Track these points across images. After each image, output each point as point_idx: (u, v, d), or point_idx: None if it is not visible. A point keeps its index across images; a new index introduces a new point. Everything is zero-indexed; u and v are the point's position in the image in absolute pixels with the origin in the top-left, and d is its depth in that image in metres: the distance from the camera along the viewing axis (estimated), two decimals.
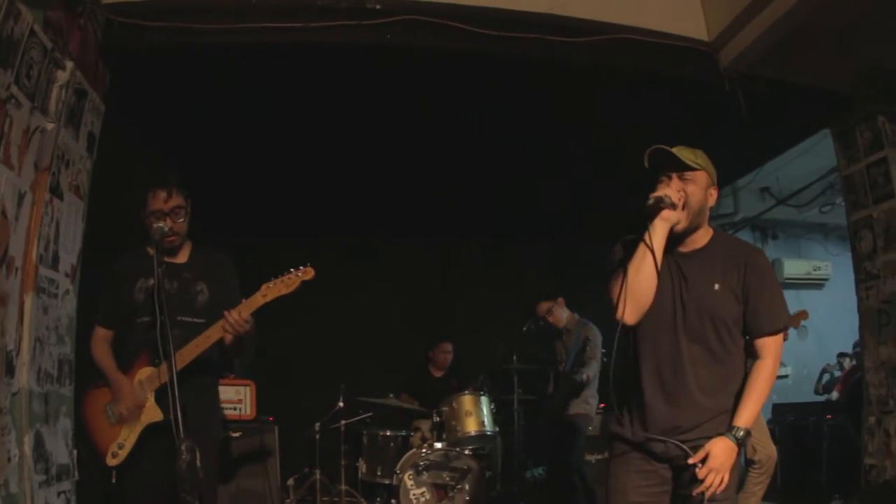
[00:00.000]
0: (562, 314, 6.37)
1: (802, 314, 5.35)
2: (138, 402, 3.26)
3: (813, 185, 7.96)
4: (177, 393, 2.79)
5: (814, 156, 6.84)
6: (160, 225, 3.26)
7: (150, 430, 3.25)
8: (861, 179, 5.26)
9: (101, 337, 3.52)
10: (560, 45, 4.69)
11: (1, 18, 3.03)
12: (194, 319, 3.43)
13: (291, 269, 3.31)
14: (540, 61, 4.86)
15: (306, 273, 3.32)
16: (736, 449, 2.69)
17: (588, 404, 6.03)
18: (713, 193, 2.93)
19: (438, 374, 7.39)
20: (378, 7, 4.40)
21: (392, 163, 6.45)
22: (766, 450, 5.09)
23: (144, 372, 3.30)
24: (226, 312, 3.23)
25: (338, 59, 4.74)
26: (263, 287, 3.29)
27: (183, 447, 2.63)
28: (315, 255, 5.20)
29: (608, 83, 5.32)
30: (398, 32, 4.45)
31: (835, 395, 7.80)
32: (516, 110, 5.73)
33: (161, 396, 3.23)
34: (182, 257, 3.53)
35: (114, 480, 3.26)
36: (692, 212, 2.78)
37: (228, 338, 3.28)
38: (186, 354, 3.20)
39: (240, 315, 3.22)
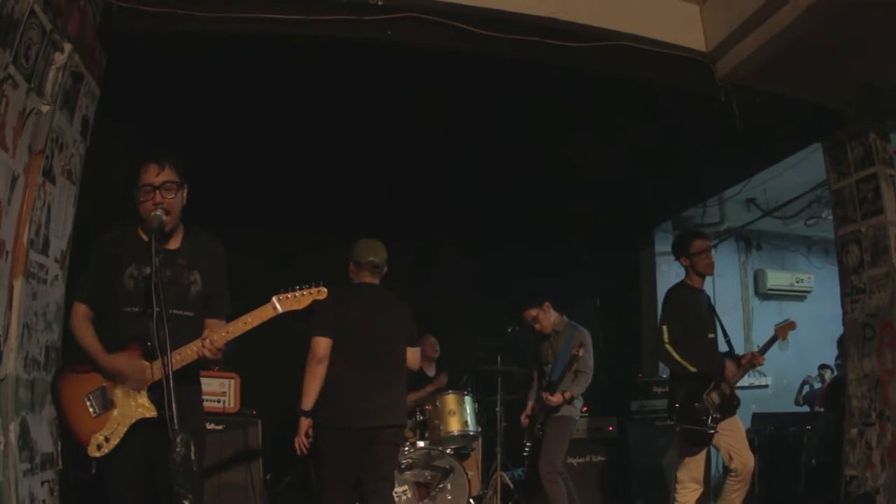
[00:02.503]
0: (548, 320, 6.29)
1: (789, 325, 5.37)
2: (142, 371, 3.19)
3: (799, 199, 8.03)
4: (172, 388, 2.77)
5: (801, 169, 6.89)
6: (158, 213, 3.20)
7: (138, 425, 3.19)
8: (851, 194, 5.32)
9: (84, 315, 3.38)
10: (559, 50, 4.73)
11: None
12: (185, 312, 3.38)
13: (304, 286, 3.37)
14: (538, 64, 4.87)
15: (319, 293, 3.41)
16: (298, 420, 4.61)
17: (573, 407, 6.01)
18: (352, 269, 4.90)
19: (430, 371, 7.37)
20: (379, 3, 4.38)
21: (378, 159, 6.44)
22: (743, 458, 5.08)
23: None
24: (207, 335, 3.23)
25: (336, 52, 4.71)
26: (274, 299, 3.31)
27: (178, 440, 2.60)
28: (301, 250, 5.25)
29: (603, 89, 5.34)
30: (399, 29, 4.44)
31: (818, 408, 7.85)
32: (509, 111, 5.74)
33: (153, 392, 3.19)
34: (175, 242, 3.45)
35: (94, 471, 3.20)
36: None
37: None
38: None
39: (221, 340, 3.23)
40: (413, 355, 4.95)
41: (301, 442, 4.61)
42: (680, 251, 5.38)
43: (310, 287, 3.38)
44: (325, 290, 3.43)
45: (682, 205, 8.52)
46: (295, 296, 3.34)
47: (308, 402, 4.56)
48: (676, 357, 5.06)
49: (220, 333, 3.24)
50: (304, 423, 4.59)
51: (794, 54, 4.64)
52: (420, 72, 5.02)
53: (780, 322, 5.40)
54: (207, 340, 3.21)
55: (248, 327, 3.29)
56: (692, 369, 5.02)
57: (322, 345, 4.56)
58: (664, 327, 5.15)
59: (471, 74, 5.10)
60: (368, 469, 4.61)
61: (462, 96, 5.43)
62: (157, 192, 3.28)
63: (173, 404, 2.81)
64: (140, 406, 3.20)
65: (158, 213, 3.23)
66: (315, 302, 3.97)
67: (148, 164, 3.31)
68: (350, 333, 4.61)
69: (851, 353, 5.25)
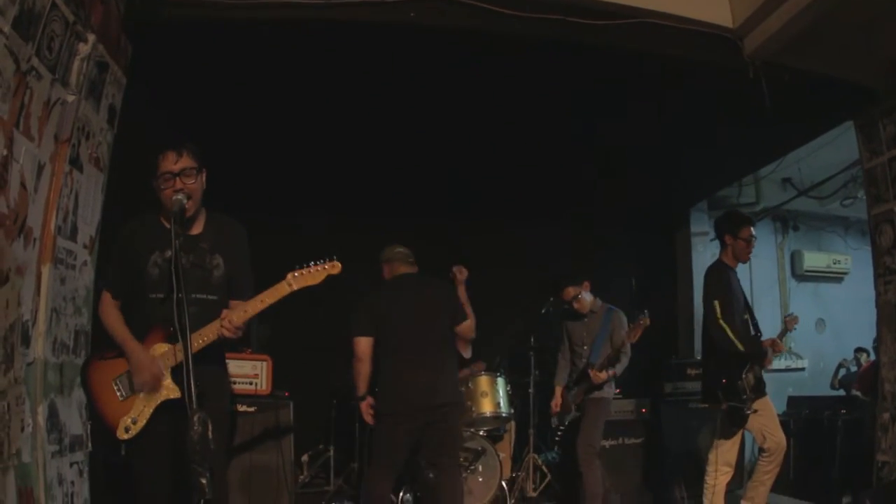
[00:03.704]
0: (587, 299, 6.25)
1: (793, 319, 5.46)
2: (158, 373, 3.24)
3: (835, 178, 7.86)
4: (191, 369, 2.81)
5: (836, 147, 6.74)
6: (179, 198, 3.24)
7: (164, 406, 3.24)
8: (883, 173, 5.21)
9: (112, 303, 3.43)
10: (584, 28, 4.69)
11: None
12: (208, 296, 3.41)
13: (318, 262, 3.35)
14: (563, 44, 4.84)
15: (333, 267, 3.39)
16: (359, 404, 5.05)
17: (610, 388, 5.98)
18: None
19: (467, 353, 7.38)
20: None
21: (411, 141, 6.45)
22: (776, 437, 5.04)
23: (159, 348, 3.27)
24: (226, 315, 3.27)
25: (361, 36, 4.73)
26: (289, 276, 3.32)
27: (195, 418, 2.64)
28: (334, 232, 5.31)
29: (632, 68, 5.29)
30: (422, 11, 4.44)
31: (854, 391, 7.73)
32: (538, 92, 5.70)
33: (177, 374, 3.22)
34: (197, 228, 3.47)
35: (123, 453, 3.28)
36: None
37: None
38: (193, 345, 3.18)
39: (239, 319, 3.26)
40: (465, 328, 5.21)
41: (368, 420, 5.06)
42: (726, 230, 5.37)
43: (324, 262, 3.37)
44: (339, 264, 3.39)
45: (718, 184, 8.40)
46: (309, 271, 3.34)
47: (360, 390, 5.03)
48: (730, 334, 5.03)
49: (237, 313, 3.28)
50: (363, 406, 5.04)
51: (824, 29, 4.52)
52: (448, 53, 5.00)
53: (788, 314, 5.55)
54: (226, 320, 3.25)
55: (265, 305, 3.31)
56: (740, 348, 5.00)
57: (361, 344, 4.94)
58: (715, 302, 5.13)
59: (499, 54, 5.06)
60: (429, 448, 4.95)
61: (491, 76, 5.40)
62: (178, 178, 3.30)
63: (196, 385, 2.86)
64: (164, 388, 3.26)
65: (179, 197, 3.26)
66: (362, 302, 4.97)
67: (166, 151, 3.33)
68: (392, 325, 4.94)
69: (884, 335, 5.15)
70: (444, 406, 4.90)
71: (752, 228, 5.33)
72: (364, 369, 4.96)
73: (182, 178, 3.31)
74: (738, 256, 5.31)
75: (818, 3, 4.30)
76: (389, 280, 5.27)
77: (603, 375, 5.90)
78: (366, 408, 5.02)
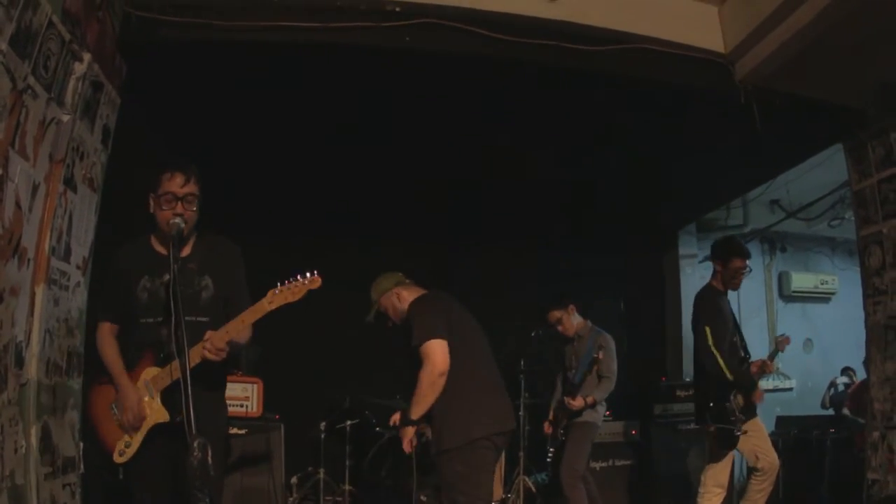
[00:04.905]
0: (571, 322, 6.28)
1: (784, 340, 5.56)
2: (141, 413, 3.23)
3: (823, 199, 7.95)
4: (189, 393, 2.80)
5: (824, 170, 6.82)
6: (177, 221, 3.23)
7: (157, 430, 3.24)
8: (872, 195, 5.24)
9: (109, 332, 3.44)
10: (577, 53, 4.71)
11: (20, 9, 3.01)
12: (197, 318, 3.36)
13: (298, 277, 3.25)
14: (556, 69, 4.87)
15: (313, 282, 3.25)
16: (405, 427, 4.16)
17: (595, 412, 5.98)
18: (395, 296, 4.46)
19: None
20: (397, 9, 4.39)
21: (401, 164, 6.46)
22: (769, 458, 5.10)
23: (150, 372, 3.28)
24: (208, 337, 3.21)
25: (355, 60, 4.74)
26: (270, 293, 3.24)
27: (195, 444, 2.63)
28: (324, 254, 5.27)
29: (623, 93, 5.33)
30: (417, 35, 4.45)
31: (845, 411, 7.77)
32: (530, 116, 5.73)
33: (167, 397, 3.22)
34: (186, 250, 3.45)
35: (121, 476, 3.29)
36: (395, 317, 4.48)
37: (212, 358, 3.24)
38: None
39: (221, 340, 3.21)
40: None
41: (408, 448, 4.22)
42: (718, 256, 5.44)
43: (304, 278, 3.25)
44: (319, 279, 3.26)
45: (707, 207, 8.46)
46: (290, 288, 3.23)
47: (423, 410, 4.04)
48: (721, 362, 5.07)
49: (219, 334, 3.23)
50: (412, 431, 4.18)
51: (814, 54, 4.57)
52: (442, 77, 5.02)
53: (779, 335, 5.64)
54: (208, 342, 3.20)
55: (245, 325, 3.27)
56: (729, 377, 5.05)
57: (442, 350, 3.97)
58: (706, 329, 5.16)
59: (492, 78, 5.10)
60: None
61: (484, 101, 5.44)
62: (180, 202, 3.30)
63: (190, 408, 2.85)
64: (155, 412, 3.26)
65: (178, 220, 3.26)
66: (419, 306, 4.27)
67: (174, 172, 3.31)
68: (466, 334, 4.19)
69: (874, 355, 5.18)
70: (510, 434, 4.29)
71: (744, 261, 5.36)
72: (442, 384, 3.96)
73: (184, 202, 3.31)
74: (727, 284, 5.37)
75: (809, 28, 4.35)
76: (432, 293, 4.42)
77: (578, 402, 5.92)
78: (412, 435, 4.18)
